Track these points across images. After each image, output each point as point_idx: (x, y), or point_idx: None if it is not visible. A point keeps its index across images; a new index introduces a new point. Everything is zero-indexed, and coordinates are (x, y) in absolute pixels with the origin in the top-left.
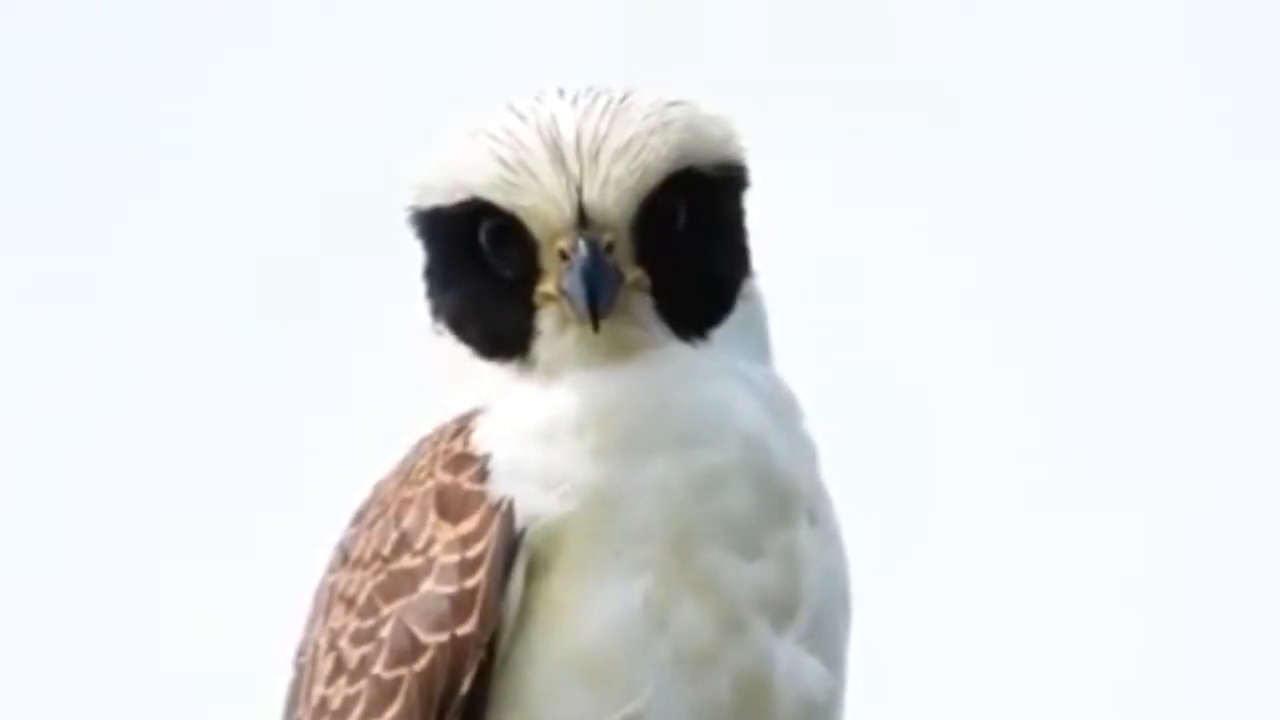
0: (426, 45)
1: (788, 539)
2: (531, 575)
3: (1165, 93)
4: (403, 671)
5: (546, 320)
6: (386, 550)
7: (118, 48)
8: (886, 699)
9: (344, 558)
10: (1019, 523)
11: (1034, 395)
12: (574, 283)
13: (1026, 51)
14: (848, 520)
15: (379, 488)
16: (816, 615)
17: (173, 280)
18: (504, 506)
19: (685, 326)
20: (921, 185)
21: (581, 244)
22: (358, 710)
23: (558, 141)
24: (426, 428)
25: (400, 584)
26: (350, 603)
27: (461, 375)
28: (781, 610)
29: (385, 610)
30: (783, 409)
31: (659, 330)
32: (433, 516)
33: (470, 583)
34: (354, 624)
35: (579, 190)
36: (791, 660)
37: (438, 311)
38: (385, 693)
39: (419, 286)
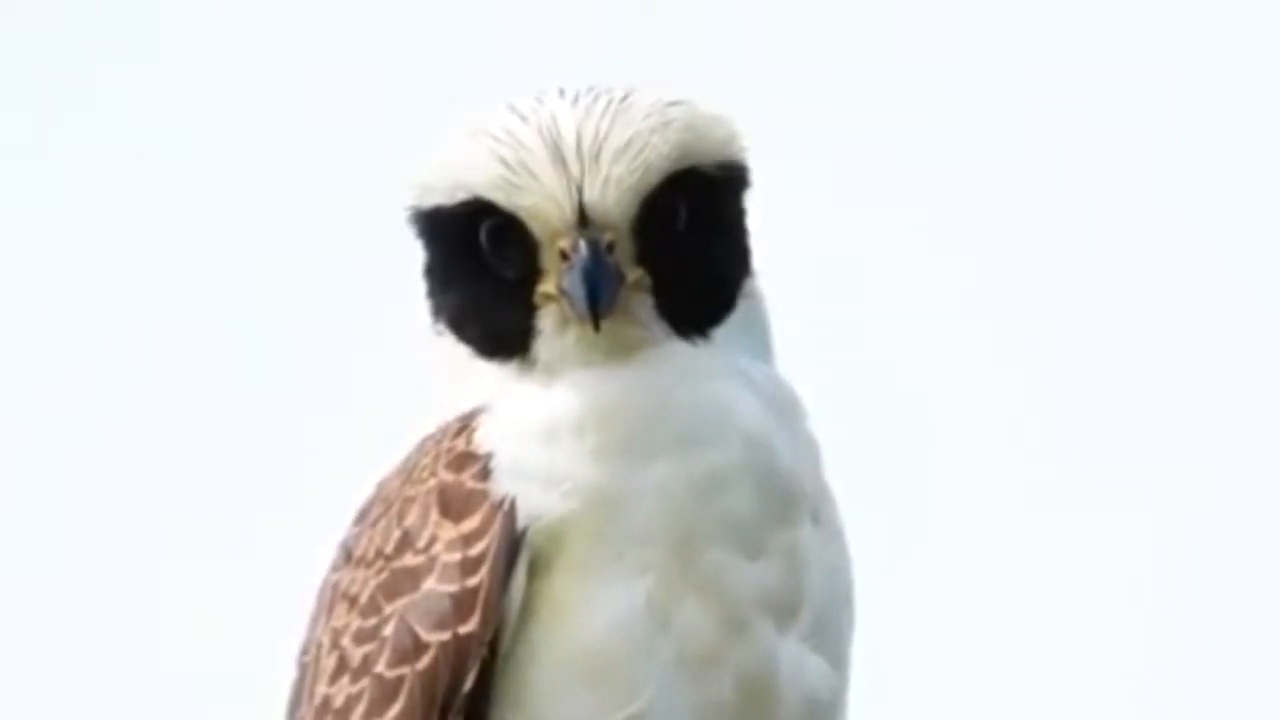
0: (426, 45)
1: (790, 538)
2: (533, 574)
3: (1165, 93)
4: (405, 670)
5: (547, 320)
6: (389, 549)
7: (118, 48)
8: (889, 698)
9: (346, 556)
10: (1020, 522)
11: (1034, 395)
12: (574, 283)
13: (1026, 51)
14: (850, 519)
15: (382, 486)
16: (819, 614)
17: (173, 280)
18: (506, 505)
19: (686, 326)
20: (921, 185)
21: (582, 244)
22: (360, 709)
23: (558, 142)
24: (429, 427)
25: (402, 582)
26: (353, 601)
27: (462, 375)
28: (784, 610)
29: (387, 609)
30: (785, 408)
31: (660, 330)
32: (435, 515)
33: (472, 581)
34: (356, 623)
35: (579, 190)
36: (795, 659)
37: (438, 311)
38: (387, 691)
39: (419, 286)
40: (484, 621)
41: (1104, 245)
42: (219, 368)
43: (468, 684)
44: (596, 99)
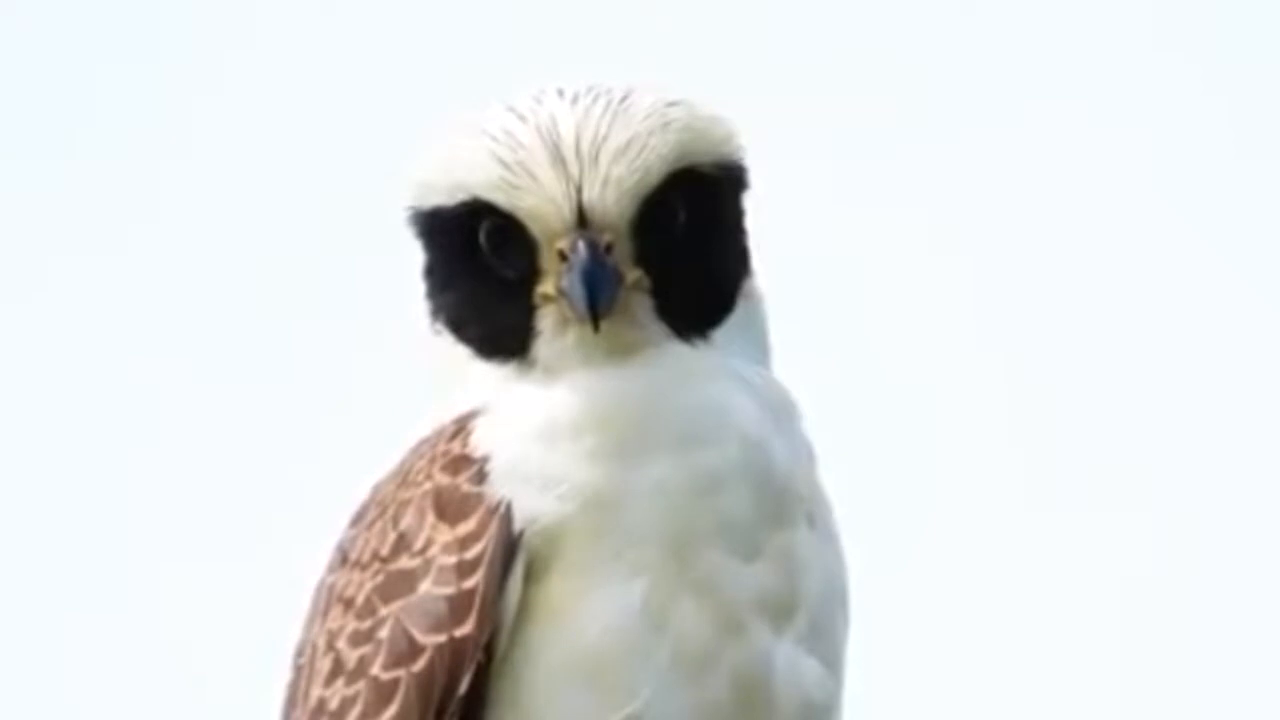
0: (426, 45)
1: (786, 540)
2: (530, 577)
3: (1165, 93)
4: (400, 673)
5: (546, 320)
6: (385, 551)
7: (118, 48)
8: (885, 701)
9: (342, 558)
10: (1018, 523)
11: (1033, 395)
12: (574, 283)
13: (1026, 51)
14: (845, 522)
15: (377, 489)
16: (815, 616)
17: (172, 280)
18: (502, 508)
19: (685, 327)
20: (921, 185)
21: (581, 244)
22: (355, 711)
23: (557, 142)
24: (425, 428)
25: (398, 585)
26: (348, 604)
27: (461, 375)
28: (780, 611)
29: (383, 611)
30: (781, 411)
31: (658, 330)
32: (431, 518)
33: (468, 584)
34: (352, 625)
35: (579, 191)
36: (790, 661)
37: (437, 311)
38: (383, 694)
39: (419, 286)
40: (480, 624)
41: (1104, 245)
42: (218, 367)
43: (463, 686)
44: (596, 99)
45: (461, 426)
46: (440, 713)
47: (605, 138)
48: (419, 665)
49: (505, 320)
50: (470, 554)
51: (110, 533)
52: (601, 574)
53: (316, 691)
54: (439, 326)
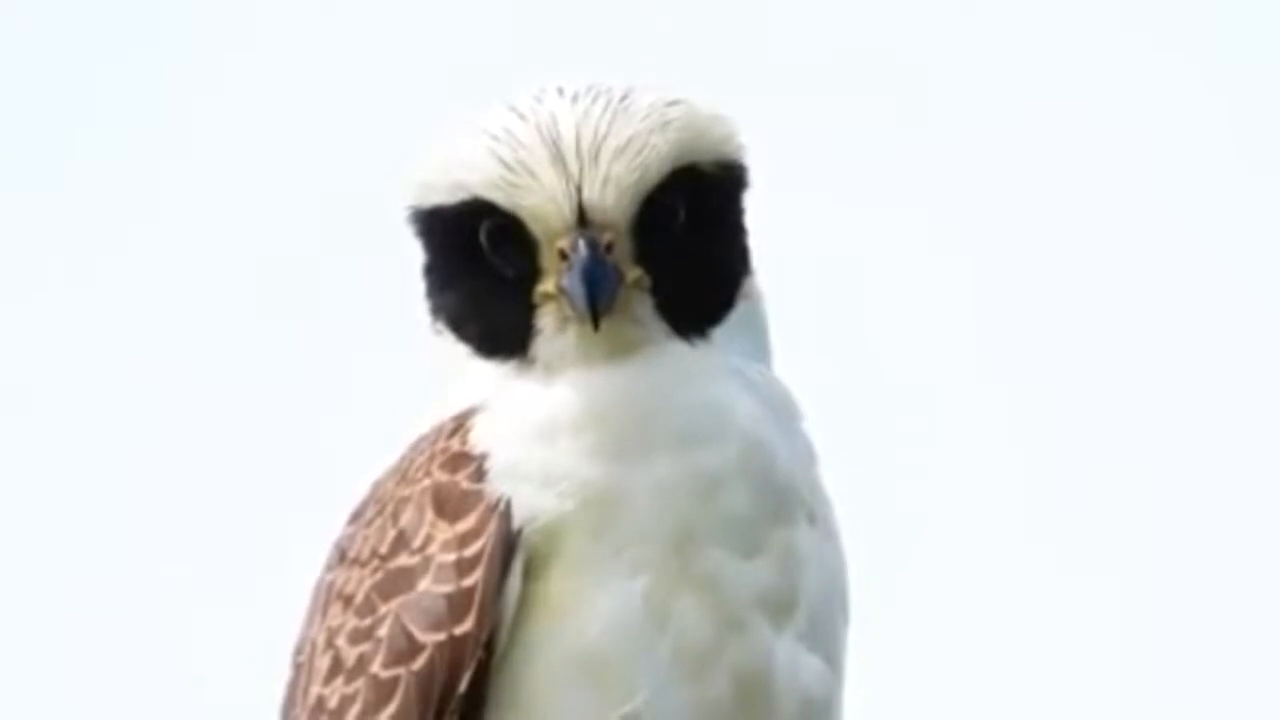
0: (426, 45)
1: (786, 538)
2: (530, 574)
3: (1165, 93)
4: (400, 670)
5: (546, 319)
6: (384, 549)
7: (118, 48)
8: (886, 699)
9: (341, 556)
10: (1018, 522)
11: (1033, 395)
12: (574, 282)
13: (1026, 51)
14: (846, 520)
15: (376, 486)
16: (815, 614)
17: (172, 280)
18: (501, 505)
19: (685, 325)
20: (921, 185)
21: (581, 243)
22: (355, 709)
23: (557, 141)
24: (424, 426)
25: (398, 582)
26: (348, 601)
27: (460, 374)
28: (780, 609)
29: (383, 609)
30: (782, 409)
31: (659, 329)
32: (430, 515)
33: (468, 582)
34: (351, 623)
35: (579, 190)
36: (790, 658)
37: (437, 310)
38: (382, 692)
39: (419, 286)
40: (479, 622)
41: (1104, 245)
42: (218, 367)
43: (463, 684)
44: (596, 98)
45: (461, 424)
46: (440, 711)
47: (605, 137)
48: (418, 663)
49: (505, 319)
50: (470, 551)
51: (110, 532)
52: (601, 571)
53: (316, 689)
54: (439, 325)
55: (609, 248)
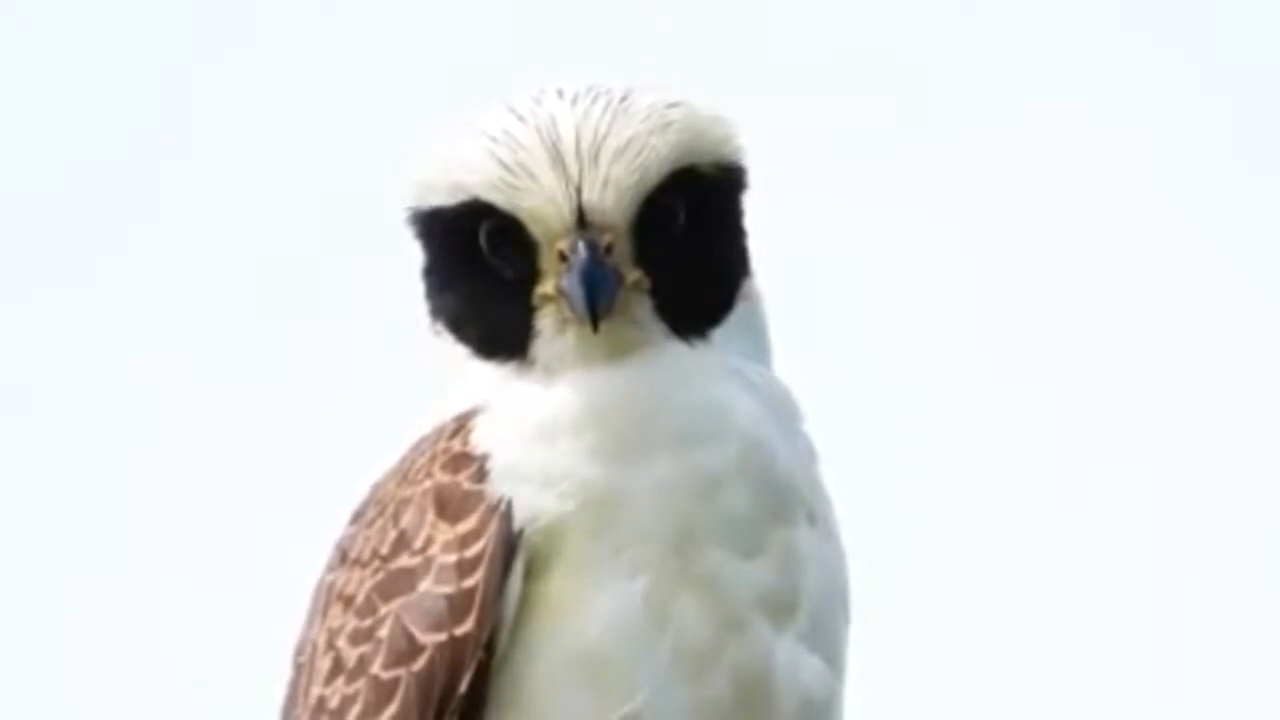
0: (426, 45)
1: (787, 538)
2: (530, 575)
3: (1165, 93)
4: (400, 671)
5: (546, 321)
6: (385, 549)
7: (118, 48)
8: (886, 699)
9: (342, 557)
10: (1018, 522)
11: (1033, 395)
12: (573, 283)
13: (1026, 51)
14: (846, 520)
15: (377, 487)
16: (815, 614)
17: (172, 280)
18: (502, 506)
19: (685, 326)
20: (921, 185)
21: (581, 245)
22: (355, 710)
23: (557, 142)
24: (425, 427)
25: (398, 583)
26: (348, 602)
27: (460, 375)
28: (781, 609)
29: (383, 610)
30: (782, 409)
31: (658, 330)
32: (431, 516)
33: (468, 582)
34: (352, 623)
35: (578, 191)
36: (791, 658)
37: (437, 312)
38: (383, 692)
39: (419, 287)
40: (480, 622)
41: (1103, 245)
42: (218, 367)
43: (464, 685)
44: (595, 100)
45: (461, 425)
46: (440, 711)
47: (605, 138)
48: (419, 664)
49: (505, 320)
50: (470, 552)
51: (110, 532)
52: (602, 572)
53: (316, 690)
54: (439, 326)
55: (608, 249)
